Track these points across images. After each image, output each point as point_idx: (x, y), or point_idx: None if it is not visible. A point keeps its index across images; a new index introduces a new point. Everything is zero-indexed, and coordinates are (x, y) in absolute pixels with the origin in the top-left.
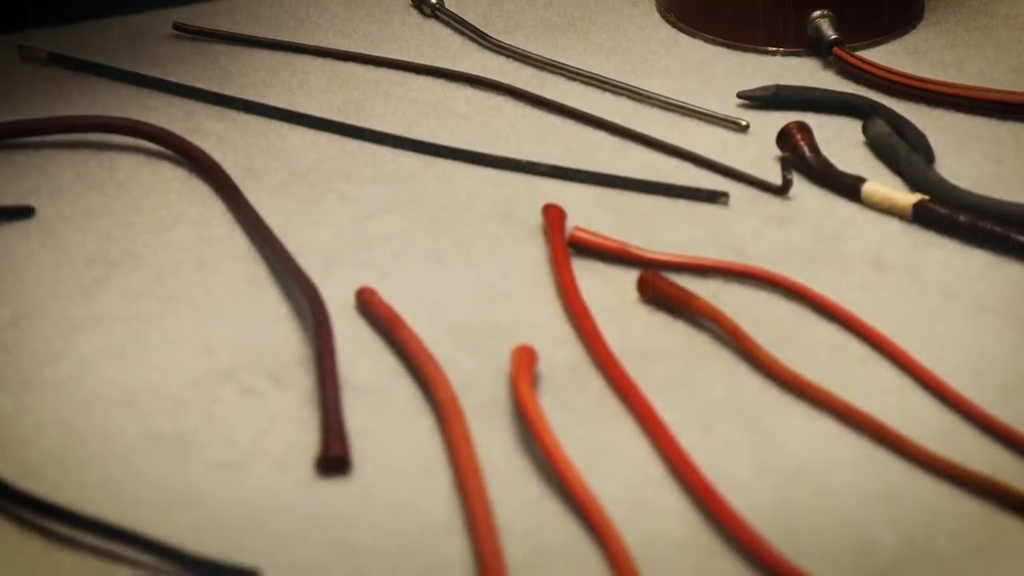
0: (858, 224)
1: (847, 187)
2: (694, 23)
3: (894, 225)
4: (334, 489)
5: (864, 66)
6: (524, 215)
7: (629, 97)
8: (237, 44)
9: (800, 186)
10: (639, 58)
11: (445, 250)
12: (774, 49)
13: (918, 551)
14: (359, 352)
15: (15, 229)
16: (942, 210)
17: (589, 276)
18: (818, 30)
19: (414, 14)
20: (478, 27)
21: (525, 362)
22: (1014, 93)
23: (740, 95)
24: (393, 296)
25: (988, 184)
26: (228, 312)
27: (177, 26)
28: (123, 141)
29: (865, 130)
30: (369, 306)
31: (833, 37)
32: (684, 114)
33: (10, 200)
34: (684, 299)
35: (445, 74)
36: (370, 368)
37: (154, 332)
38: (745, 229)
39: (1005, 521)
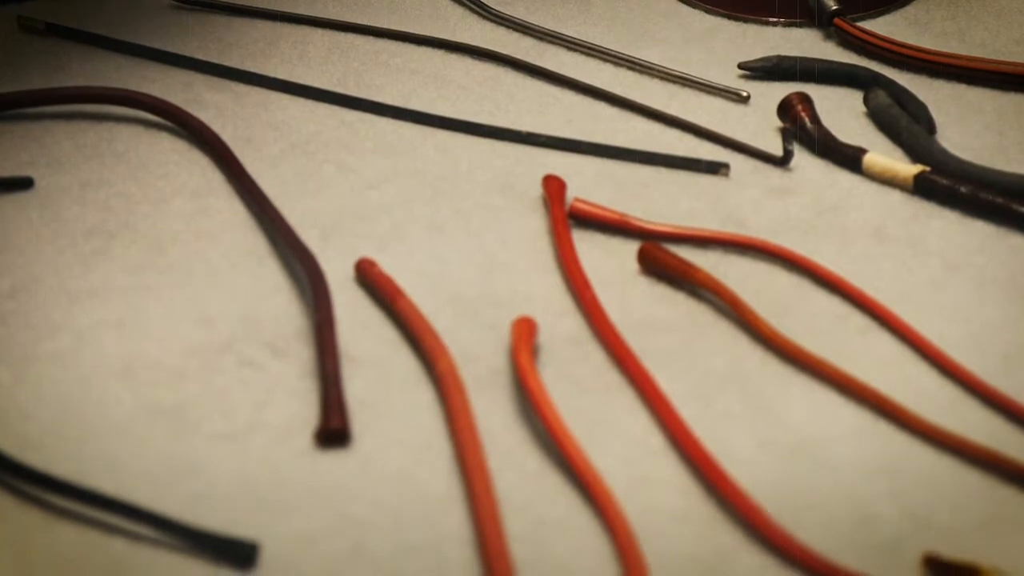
0: (859, 195)
1: (848, 158)
2: None
3: (895, 196)
4: (333, 461)
5: (865, 37)
6: (524, 186)
7: (629, 68)
8: (236, 15)
9: (801, 157)
10: (639, 29)
11: (445, 221)
12: (775, 20)
13: (919, 523)
14: (358, 323)
15: (13, 200)
16: (943, 181)
17: (589, 247)
18: (819, 1)
19: None
20: None
21: (525, 333)
22: (1016, 64)
23: (741, 66)
24: (392, 267)
25: (989, 155)
26: (227, 283)
27: None
28: (122, 112)
29: (866, 101)
30: (368, 277)
31: (834, 8)
32: (685, 85)
33: (8, 171)
34: (684, 271)
35: (445, 45)
36: (369, 339)
37: (153, 303)
38: (746, 200)
39: (1006, 493)
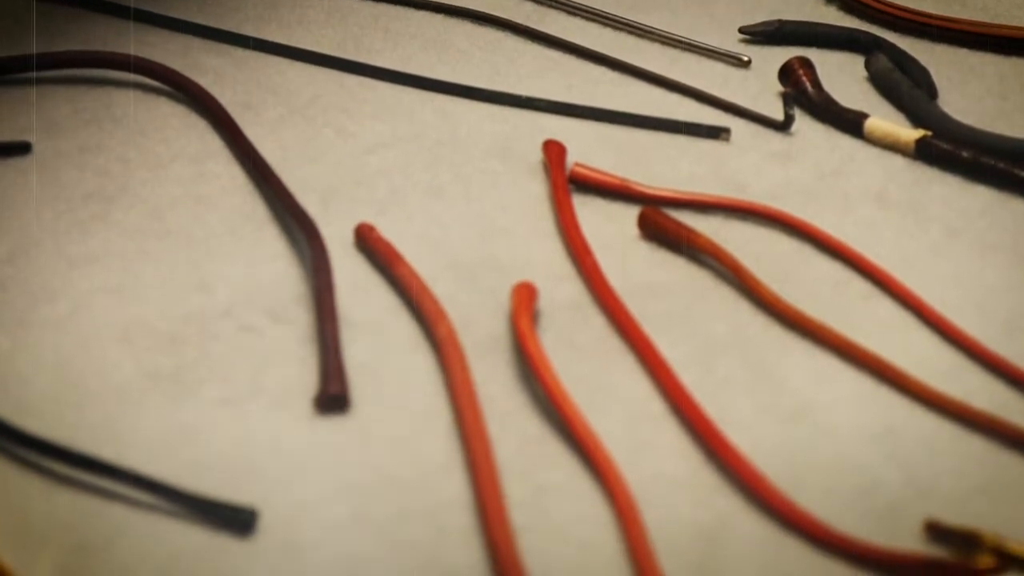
0: (860, 160)
1: (849, 123)
2: None
3: (897, 161)
4: (333, 427)
5: (867, 1)
6: (524, 151)
7: (630, 32)
8: None
9: (802, 122)
10: None
11: (444, 186)
12: None
13: (920, 489)
14: (358, 289)
15: (11, 165)
16: (945, 146)
17: (589, 212)
18: None
19: None
20: None
21: (525, 299)
22: (1018, 28)
23: (742, 30)
24: (392, 232)
25: (991, 120)
26: (226, 248)
27: None
28: (120, 77)
29: (868, 65)
30: (368, 242)
31: None
32: (685, 49)
33: (6, 136)
34: (685, 235)
35: (444, 9)
36: (369, 305)
37: (151, 269)
38: (746, 165)
39: (1008, 459)
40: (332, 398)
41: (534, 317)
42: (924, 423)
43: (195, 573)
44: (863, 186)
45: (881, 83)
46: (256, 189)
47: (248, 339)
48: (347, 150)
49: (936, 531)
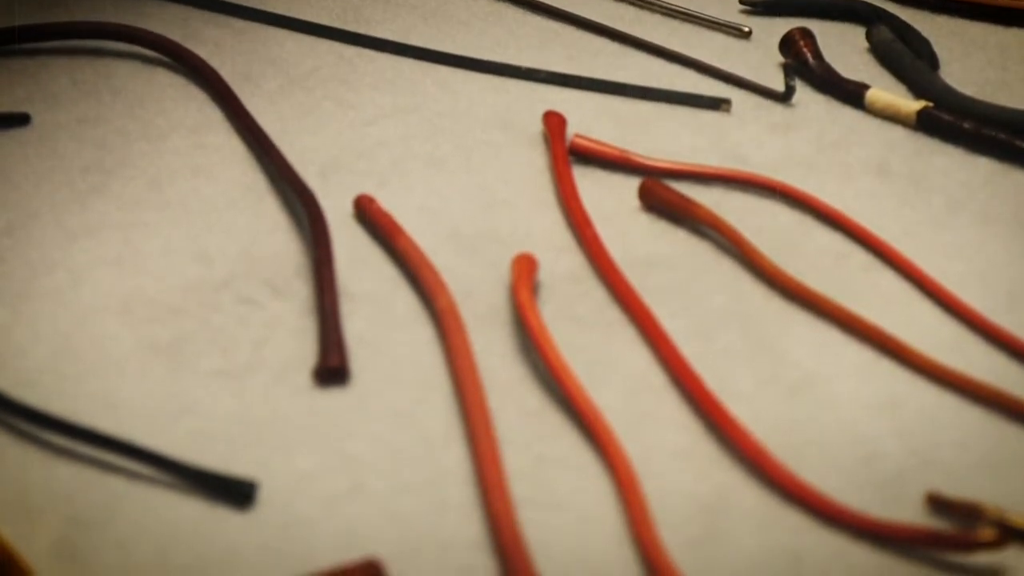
0: (862, 131)
1: (850, 94)
2: None
3: (898, 132)
4: (332, 399)
5: None
6: (524, 122)
7: (630, 3)
8: None
9: (803, 93)
10: None
11: (445, 157)
12: None
13: (921, 461)
14: (357, 260)
15: (10, 137)
16: (946, 117)
17: (590, 184)
18: None
19: None
20: None
21: (525, 270)
22: None
23: (742, 1)
24: (392, 204)
25: (993, 91)
26: (225, 220)
27: None
28: (119, 48)
29: (869, 36)
30: (368, 214)
31: None
32: (686, 20)
33: (5, 107)
34: (686, 207)
35: None
36: (369, 277)
37: (150, 241)
38: (747, 136)
39: (1010, 431)
40: (331, 370)
41: (534, 289)
42: (926, 395)
43: (194, 545)
44: (864, 157)
45: (882, 54)
46: (255, 161)
47: (247, 311)
48: (347, 122)
49: (938, 503)
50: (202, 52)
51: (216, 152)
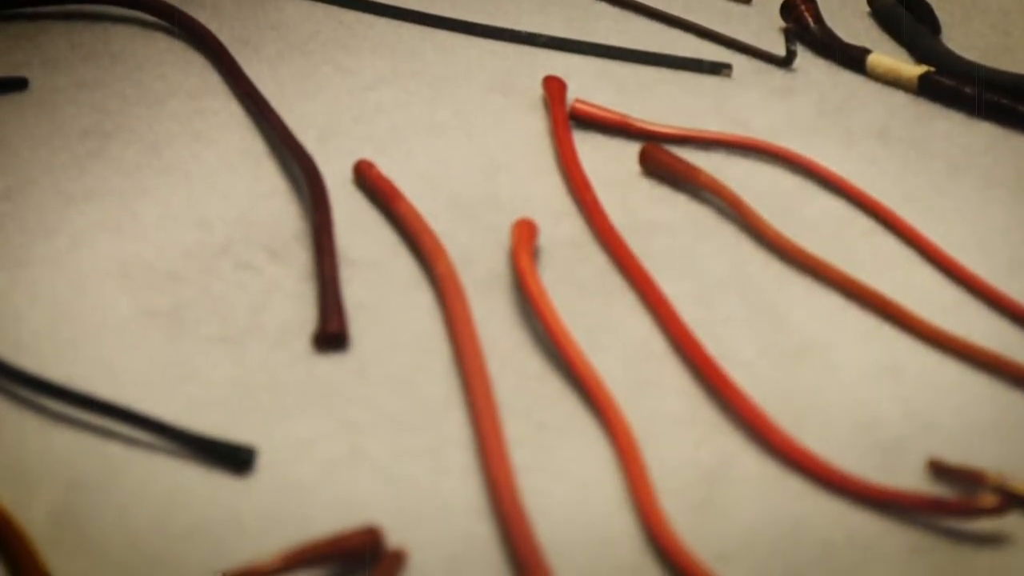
0: (863, 96)
1: (852, 58)
2: None
3: (900, 97)
4: (331, 365)
5: None
6: (524, 87)
7: None
8: None
9: (804, 58)
10: None
11: (444, 122)
12: None
13: (923, 427)
14: (357, 226)
15: (8, 101)
16: (948, 82)
17: (590, 149)
18: None
19: None
20: None
21: (525, 236)
22: None
23: None
24: (391, 169)
25: (995, 55)
26: (224, 185)
27: None
28: (118, 12)
29: (870, 1)
30: (367, 179)
31: None
32: None
33: (3, 71)
34: (686, 172)
35: None
36: (368, 242)
37: (149, 206)
38: (748, 101)
39: (1011, 397)
40: (331, 336)
41: (534, 254)
42: (926, 361)
43: (193, 512)
44: (865, 122)
45: (884, 18)
46: (254, 126)
47: (246, 277)
48: (346, 87)
49: (939, 469)
50: (201, 17)
51: (215, 117)
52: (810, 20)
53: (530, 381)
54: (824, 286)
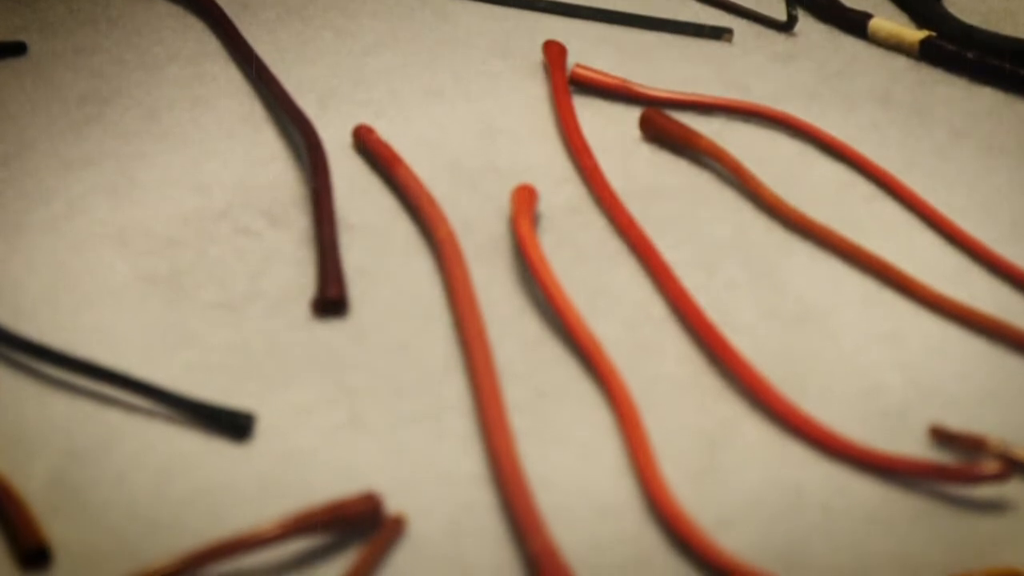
0: (864, 61)
1: (853, 23)
2: None
3: (901, 62)
4: (331, 330)
5: None
6: (524, 52)
7: None
8: None
9: (805, 22)
10: None
11: (444, 87)
12: None
13: (924, 393)
14: (356, 191)
15: (6, 66)
16: (950, 47)
17: (590, 114)
18: None
19: None
20: None
21: (525, 201)
22: None
23: None
24: (391, 134)
25: (997, 19)
26: (223, 150)
27: None
28: None
29: None
30: (366, 144)
31: None
32: None
33: (1, 37)
34: (687, 137)
35: None
36: (367, 207)
37: (148, 171)
38: (749, 66)
39: (1014, 363)
40: (330, 302)
41: (534, 220)
42: (929, 327)
43: (191, 478)
44: (867, 87)
45: None
46: (253, 90)
47: (245, 242)
48: (345, 51)
49: (941, 436)
50: None
51: (213, 82)
52: None
53: (530, 347)
54: (825, 252)
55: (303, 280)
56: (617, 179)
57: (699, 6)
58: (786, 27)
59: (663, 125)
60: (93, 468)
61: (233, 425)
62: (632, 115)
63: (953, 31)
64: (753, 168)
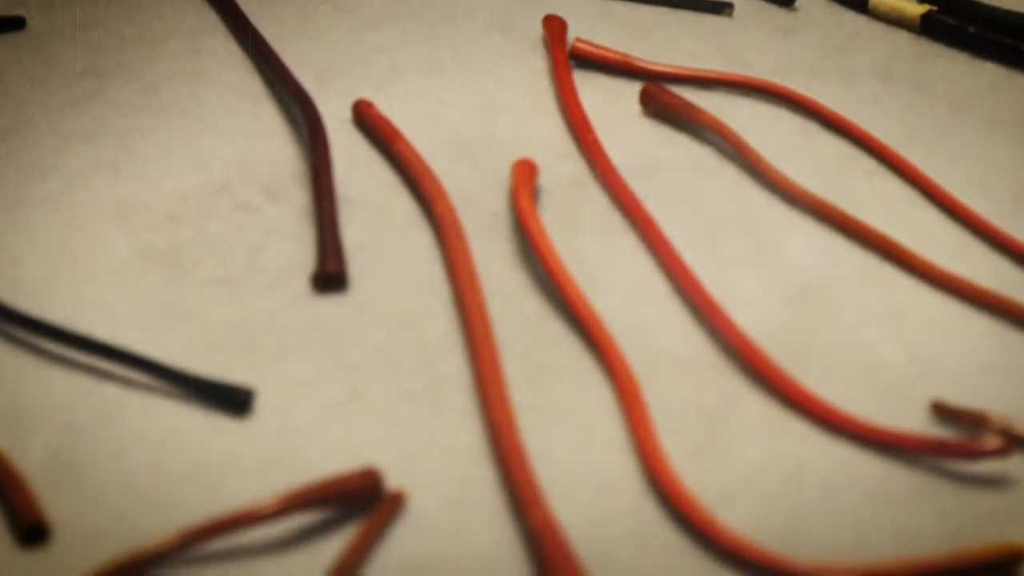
0: (865, 36)
1: None
2: None
3: (902, 36)
4: (331, 305)
5: None
6: (524, 26)
7: None
8: None
9: None
10: None
11: (444, 62)
12: None
13: (925, 368)
14: (356, 166)
15: (5, 41)
16: (951, 21)
17: (591, 89)
18: None
19: None
20: None
21: (525, 176)
22: None
23: None
24: (391, 109)
25: None
26: (222, 125)
27: None
28: None
29: None
30: (366, 119)
31: None
32: None
33: (0, 11)
34: (688, 112)
35: None
36: (367, 182)
37: (147, 146)
38: (750, 40)
39: (1014, 338)
40: (330, 277)
41: (535, 195)
42: (930, 301)
43: (190, 454)
44: (868, 62)
45: None
46: (253, 66)
47: (245, 217)
48: (345, 26)
49: (942, 412)
50: None
51: (213, 56)
52: None
53: (530, 322)
54: (826, 227)
55: (303, 255)
56: (618, 154)
57: None
58: (787, 2)
59: (664, 100)
60: (92, 444)
61: (232, 400)
62: (633, 90)
63: (954, 5)
64: (754, 143)
